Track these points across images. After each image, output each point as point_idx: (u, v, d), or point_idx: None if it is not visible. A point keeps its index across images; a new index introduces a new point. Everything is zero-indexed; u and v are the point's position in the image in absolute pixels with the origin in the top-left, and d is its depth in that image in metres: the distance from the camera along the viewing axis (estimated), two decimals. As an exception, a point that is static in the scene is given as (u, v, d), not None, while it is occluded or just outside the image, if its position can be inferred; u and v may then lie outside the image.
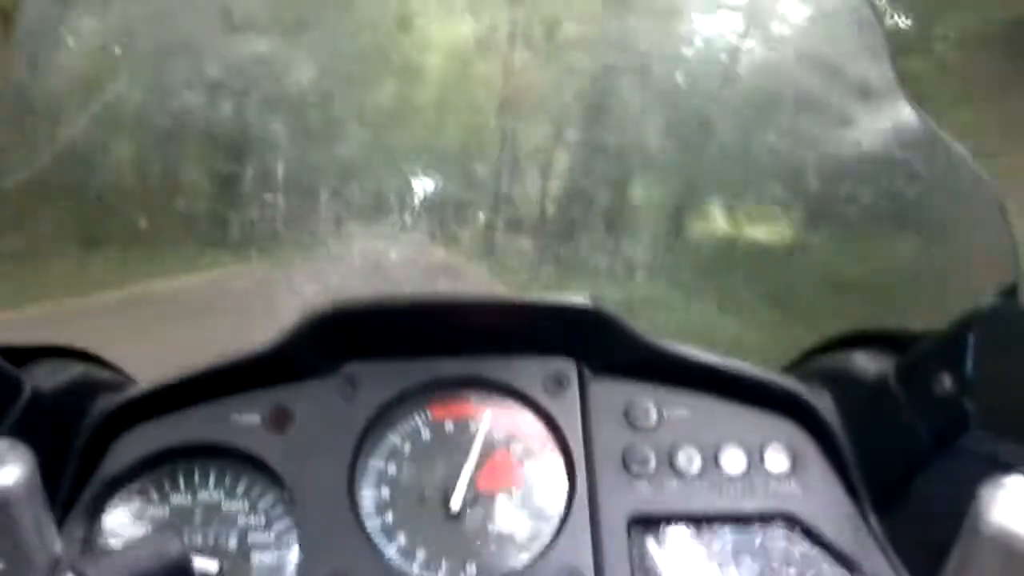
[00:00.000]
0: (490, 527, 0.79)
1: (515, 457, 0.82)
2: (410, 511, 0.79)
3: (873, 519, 0.76)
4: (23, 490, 0.49)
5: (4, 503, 0.49)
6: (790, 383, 0.83)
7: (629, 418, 0.83)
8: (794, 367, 0.92)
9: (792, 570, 0.76)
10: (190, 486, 0.81)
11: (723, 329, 1.73)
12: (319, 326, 0.82)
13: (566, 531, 0.77)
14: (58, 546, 0.53)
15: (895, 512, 0.74)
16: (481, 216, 2.22)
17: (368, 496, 0.80)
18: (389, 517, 0.79)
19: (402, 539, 0.78)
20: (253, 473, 0.81)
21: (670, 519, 0.78)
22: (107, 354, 0.91)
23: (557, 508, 0.79)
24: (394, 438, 0.83)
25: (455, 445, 0.83)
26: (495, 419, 0.84)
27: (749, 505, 0.79)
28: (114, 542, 0.77)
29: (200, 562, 0.75)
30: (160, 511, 0.79)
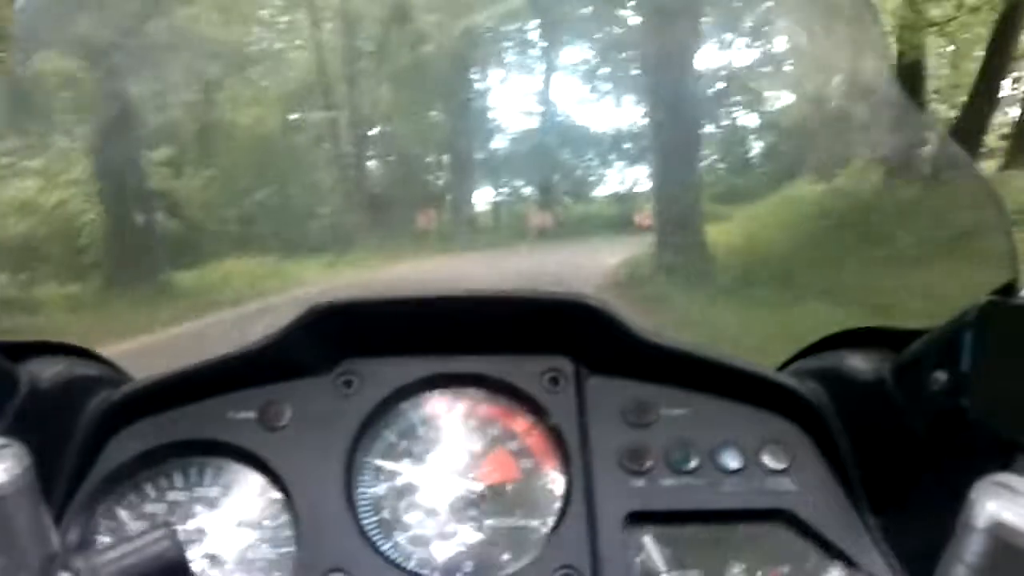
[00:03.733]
0: (487, 524, 0.79)
1: (512, 454, 0.82)
2: (407, 508, 0.79)
3: (870, 516, 0.76)
4: (19, 487, 0.50)
5: (0, 498, 0.49)
6: (787, 380, 0.83)
7: (626, 416, 0.83)
8: (790, 364, 0.91)
9: (789, 567, 0.76)
10: (187, 483, 0.81)
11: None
12: (316, 323, 0.82)
13: (563, 528, 0.77)
14: (54, 543, 0.53)
15: (892, 509, 0.74)
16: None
17: (365, 493, 0.80)
18: (386, 514, 0.79)
19: (399, 536, 0.78)
20: (250, 470, 0.81)
21: (667, 516, 0.78)
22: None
23: (554, 505, 0.79)
24: (391, 435, 0.83)
25: (452, 442, 0.83)
26: (492, 416, 0.84)
27: (746, 502, 0.79)
28: (110, 539, 0.77)
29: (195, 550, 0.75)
30: (157, 508, 0.79)
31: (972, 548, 0.51)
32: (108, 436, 0.81)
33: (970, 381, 0.63)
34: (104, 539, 0.77)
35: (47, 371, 0.79)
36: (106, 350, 0.90)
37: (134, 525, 0.78)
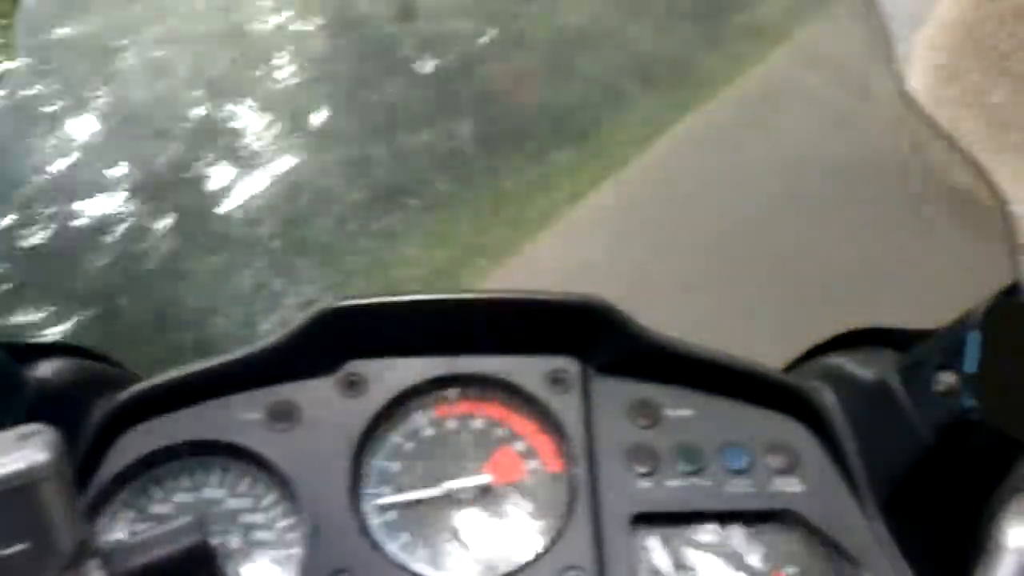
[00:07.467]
0: (492, 525, 0.79)
1: (517, 455, 0.83)
2: (412, 509, 0.79)
3: (876, 516, 0.76)
4: (51, 470, 0.50)
5: (32, 482, 0.49)
6: (793, 381, 0.84)
7: (632, 416, 0.83)
8: (796, 365, 0.92)
9: (795, 568, 0.77)
10: (193, 484, 0.81)
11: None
12: (323, 324, 0.82)
13: (568, 529, 0.77)
14: (85, 529, 0.54)
15: (898, 509, 0.74)
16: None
17: (370, 494, 0.80)
18: (391, 515, 0.79)
19: (404, 536, 0.78)
20: (256, 471, 0.81)
21: (673, 517, 0.79)
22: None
23: (559, 506, 0.79)
24: (397, 436, 0.83)
25: (457, 443, 0.83)
26: (497, 417, 0.85)
27: (752, 503, 0.79)
28: (115, 540, 0.77)
29: None
30: (163, 509, 0.80)
31: (1006, 570, 0.51)
32: (114, 437, 0.81)
33: (975, 382, 0.63)
34: (109, 541, 0.77)
35: (53, 372, 0.79)
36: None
37: (140, 527, 0.78)
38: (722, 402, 0.84)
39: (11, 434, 0.51)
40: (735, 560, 0.77)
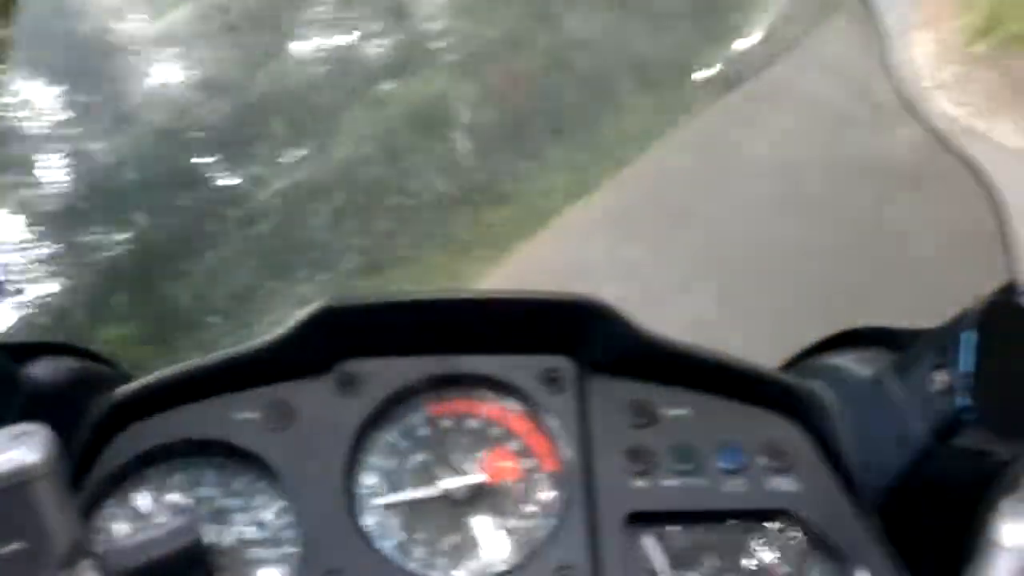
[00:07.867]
0: (486, 524, 0.79)
1: (512, 454, 0.83)
2: (407, 508, 0.79)
3: (871, 515, 0.76)
4: (46, 469, 0.50)
5: (27, 482, 0.49)
6: (789, 380, 0.84)
7: (628, 416, 0.83)
8: (792, 365, 0.92)
9: (790, 567, 0.77)
10: (188, 483, 0.81)
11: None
12: (318, 324, 0.82)
13: (562, 528, 0.77)
14: (79, 529, 0.54)
15: (893, 508, 0.74)
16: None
17: (365, 493, 0.80)
18: (387, 514, 0.79)
19: (399, 536, 0.78)
20: (251, 470, 0.81)
21: (668, 516, 0.79)
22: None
23: (554, 505, 0.79)
24: (391, 435, 0.83)
25: (452, 442, 0.83)
26: (493, 417, 0.85)
27: (747, 502, 0.79)
28: (110, 539, 0.77)
29: None
30: (158, 508, 0.79)
31: (1000, 568, 0.51)
32: (109, 436, 0.81)
33: (971, 381, 0.63)
34: (104, 540, 0.77)
35: (49, 372, 0.79)
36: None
37: (135, 526, 0.78)
38: (718, 402, 0.84)
39: (5, 433, 0.51)
40: (730, 559, 0.77)
